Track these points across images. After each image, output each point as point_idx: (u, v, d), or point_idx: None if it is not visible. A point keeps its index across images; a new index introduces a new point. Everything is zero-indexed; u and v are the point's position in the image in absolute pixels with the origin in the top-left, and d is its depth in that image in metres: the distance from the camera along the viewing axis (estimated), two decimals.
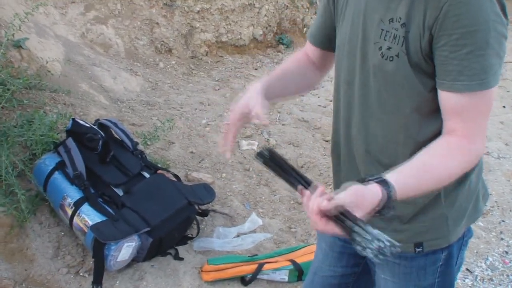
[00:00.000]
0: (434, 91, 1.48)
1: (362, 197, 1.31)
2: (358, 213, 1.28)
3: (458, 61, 1.36)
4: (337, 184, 1.90)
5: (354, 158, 1.73)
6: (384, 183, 1.34)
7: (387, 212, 1.34)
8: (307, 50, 1.94)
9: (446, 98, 1.43)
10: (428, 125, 1.53)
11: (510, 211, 4.44)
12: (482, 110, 1.43)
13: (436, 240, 1.70)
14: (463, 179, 1.62)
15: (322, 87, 6.44)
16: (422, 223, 1.68)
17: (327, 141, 5.04)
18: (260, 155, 1.46)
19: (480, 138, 1.46)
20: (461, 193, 1.66)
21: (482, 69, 1.36)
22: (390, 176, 1.37)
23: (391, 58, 1.48)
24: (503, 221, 4.29)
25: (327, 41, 1.85)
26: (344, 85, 1.71)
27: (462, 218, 1.70)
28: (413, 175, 1.41)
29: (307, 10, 7.90)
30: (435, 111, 1.50)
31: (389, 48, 1.48)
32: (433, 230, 1.69)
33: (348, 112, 1.71)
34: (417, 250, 1.70)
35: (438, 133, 1.51)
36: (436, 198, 1.64)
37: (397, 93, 1.52)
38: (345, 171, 1.81)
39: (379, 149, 1.64)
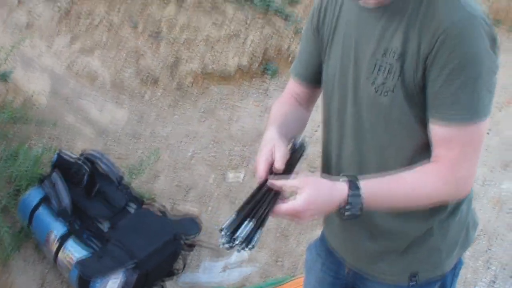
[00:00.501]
0: (426, 124, 1.48)
1: (317, 194, 1.37)
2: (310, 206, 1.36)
3: (450, 93, 1.37)
4: (328, 217, 1.91)
5: None
6: (351, 180, 1.41)
7: (350, 211, 1.39)
8: (292, 90, 1.91)
9: (436, 129, 1.44)
10: (422, 157, 1.53)
11: (497, 238, 4.45)
12: (470, 142, 1.44)
13: (430, 271, 1.71)
14: (455, 210, 1.64)
15: None
16: (416, 254, 1.69)
17: (313, 170, 5.05)
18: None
19: (467, 167, 1.46)
20: (453, 224, 1.67)
21: (473, 102, 1.38)
22: (363, 181, 1.42)
23: (385, 93, 1.48)
24: (489, 249, 4.30)
25: (312, 76, 1.84)
26: (335, 118, 1.70)
27: (454, 248, 1.72)
28: (383, 179, 1.46)
29: (292, 38, 7.96)
30: (428, 143, 1.51)
31: (383, 83, 1.48)
32: (428, 261, 1.70)
33: (340, 144, 1.71)
34: (412, 281, 1.70)
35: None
36: (429, 229, 1.65)
37: (391, 127, 1.53)
38: None
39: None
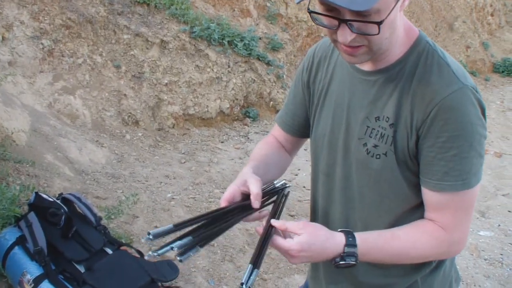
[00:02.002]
0: (416, 188, 1.51)
1: (315, 240, 1.40)
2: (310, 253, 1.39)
3: (445, 162, 1.41)
4: (314, 269, 1.90)
5: None
6: (348, 232, 1.45)
7: (345, 260, 1.42)
8: (276, 135, 1.94)
9: (430, 196, 1.48)
10: (408, 219, 1.55)
11: (474, 285, 4.46)
12: (463, 207, 1.48)
13: None
14: (439, 264, 1.65)
15: None
16: None
17: (292, 215, 5.05)
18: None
19: (460, 231, 1.50)
20: (436, 278, 1.68)
21: (466, 170, 1.41)
22: (358, 233, 1.46)
23: (377, 156, 1.50)
24: None
25: (297, 129, 1.86)
26: (323, 176, 1.72)
27: None
28: (379, 235, 1.49)
29: (274, 84, 8.04)
30: (416, 206, 1.54)
31: (375, 146, 1.50)
32: None
33: (327, 202, 1.72)
34: None
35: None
36: (413, 283, 1.65)
37: (380, 189, 1.54)
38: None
39: None
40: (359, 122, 1.55)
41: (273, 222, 1.44)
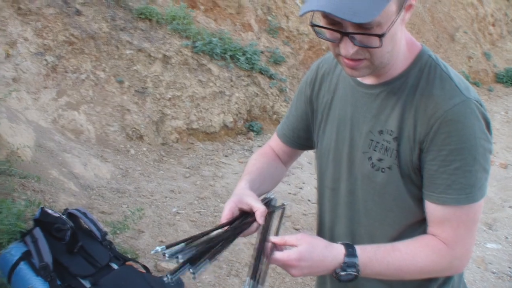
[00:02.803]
0: (421, 201, 1.50)
1: (312, 250, 1.40)
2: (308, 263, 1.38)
3: (447, 175, 1.40)
4: (321, 284, 1.89)
5: None
6: (348, 244, 1.45)
7: (346, 271, 1.41)
8: (274, 145, 1.96)
9: (432, 209, 1.46)
10: (412, 233, 1.54)
11: None
12: (466, 222, 1.46)
13: None
14: (446, 280, 1.63)
15: (293, 174, 6.51)
16: None
17: (297, 229, 5.04)
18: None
19: (462, 247, 1.48)
20: None
21: (469, 184, 1.40)
22: (359, 246, 1.46)
23: (382, 170, 1.50)
24: None
25: (297, 141, 1.89)
26: (328, 191, 1.72)
27: None
28: (378, 248, 1.48)
29: (277, 97, 8.06)
30: (421, 220, 1.53)
31: (380, 160, 1.51)
32: None
33: (333, 217, 1.73)
34: None
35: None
36: None
37: (385, 203, 1.54)
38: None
39: None
40: (363, 135, 1.56)
41: (272, 238, 1.43)
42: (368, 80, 1.54)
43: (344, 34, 1.32)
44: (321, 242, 1.43)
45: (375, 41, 1.31)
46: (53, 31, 6.32)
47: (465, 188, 1.40)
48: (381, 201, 1.55)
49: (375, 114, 1.52)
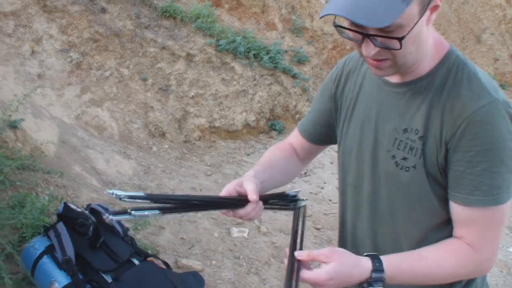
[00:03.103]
0: (445, 201, 1.49)
1: (346, 270, 1.39)
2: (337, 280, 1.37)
3: (474, 176, 1.39)
4: None
5: None
6: (375, 257, 1.43)
7: (373, 285, 1.40)
8: (293, 141, 1.95)
9: (458, 210, 1.45)
10: (437, 234, 1.53)
11: None
12: (493, 224, 1.45)
13: None
14: (469, 282, 1.61)
15: (314, 173, 6.49)
16: None
17: (318, 229, 5.03)
18: None
19: (488, 249, 1.46)
20: None
21: (496, 185, 1.38)
22: (384, 256, 1.44)
23: (407, 169, 1.49)
24: None
25: (319, 138, 1.88)
26: (351, 189, 1.72)
27: None
28: (405, 259, 1.47)
29: (300, 96, 8.05)
30: (445, 221, 1.52)
31: (404, 159, 1.49)
32: None
33: (355, 216, 1.72)
34: None
35: (442, 239, 1.51)
36: None
37: (409, 202, 1.53)
38: None
39: (386, 253, 1.63)
40: (387, 134, 1.55)
41: (298, 255, 1.42)
42: (394, 79, 1.53)
43: (365, 35, 1.32)
44: (350, 260, 1.42)
45: (395, 43, 1.31)
46: (78, 28, 6.37)
47: (492, 189, 1.38)
48: (405, 200, 1.53)
49: (401, 112, 1.51)
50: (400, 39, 1.29)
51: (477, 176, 1.38)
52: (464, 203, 1.42)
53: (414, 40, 1.34)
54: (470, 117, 1.36)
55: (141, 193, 1.42)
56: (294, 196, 1.73)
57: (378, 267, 1.40)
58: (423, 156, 1.46)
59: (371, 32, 1.31)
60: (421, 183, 1.48)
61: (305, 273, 1.39)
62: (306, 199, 1.76)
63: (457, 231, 1.48)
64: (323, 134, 1.86)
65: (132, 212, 1.34)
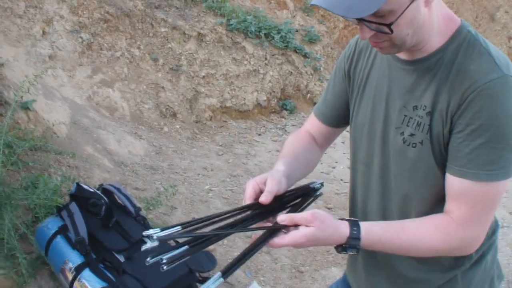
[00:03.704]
0: None
1: (322, 224, 1.40)
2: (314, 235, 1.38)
3: (470, 149, 1.37)
4: (353, 262, 1.90)
5: None
6: (354, 223, 1.44)
7: (346, 250, 1.44)
8: (310, 128, 1.92)
9: (451, 182, 1.43)
10: (442, 207, 1.51)
11: None
12: (483, 202, 1.42)
13: None
14: (479, 259, 1.62)
15: (325, 153, 6.46)
16: None
17: (329, 208, 5.03)
18: None
19: (475, 228, 1.45)
20: (477, 274, 1.64)
21: (492, 161, 1.36)
22: (364, 222, 1.47)
23: (413, 145, 1.48)
24: None
25: (337, 120, 1.85)
26: (362, 166, 1.71)
27: None
28: (386, 229, 1.48)
29: (311, 76, 8.01)
30: None
31: (412, 135, 1.49)
32: None
33: (365, 192, 1.72)
34: None
35: None
36: (453, 278, 1.62)
37: (417, 179, 1.52)
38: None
39: None
40: (397, 111, 1.54)
41: (280, 220, 1.42)
42: (405, 56, 1.52)
43: (359, 20, 1.33)
44: (330, 227, 1.42)
45: (386, 27, 1.32)
46: (88, 9, 6.36)
47: (487, 165, 1.37)
48: (412, 177, 1.53)
49: (410, 89, 1.50)
50: (388, 25, 1.30)
51: (474, 149, 1.37)
52: (457, 174, 1.41)
53: (408, 23, 1.34)
54: (478, 90, 1.34)
55: (176, 227, 1.40)
56: (320, 188, 1.73)
57: (355, 235, 1.42)
58: (430, 133, 1.45)
59: (364, 17, 1.31)
60: (427, 160, 1.47)
61: (284, 238, 1.40)
62: (323, 185, 1.75)
63: (447, 205, 1.47)
64: (341, 116, 1.83)
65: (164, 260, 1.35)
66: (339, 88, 1.80)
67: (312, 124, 1.92)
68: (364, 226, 1.44)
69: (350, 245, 1.42)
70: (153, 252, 1.34)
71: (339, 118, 1.84)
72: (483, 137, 1.35)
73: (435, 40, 1.45)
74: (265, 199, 1.47)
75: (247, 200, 1.51)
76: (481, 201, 1.42)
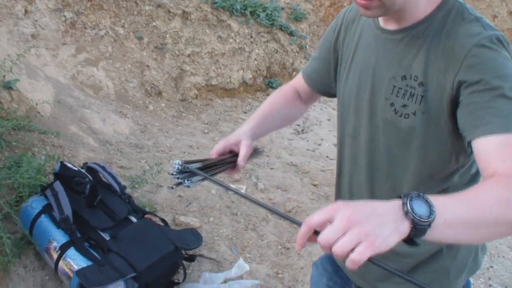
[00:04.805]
0: (444, 151, 1.47)
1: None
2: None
3: (488, 104, 1.29)
4: None
5: None
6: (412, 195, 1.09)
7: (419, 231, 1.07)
8: (297, 85, 2.00)
9: (480, 145, 1.28)
10: (436, 183, 1.53)
11: (498, 256, 4.44)
12: None
13: None
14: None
15: (311, 130, 6.49)
16: (424, 274, 1.68)
17: (315, 185, 5.05)
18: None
19: None
20: (462, 247, 1.66)
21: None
22: (433, 198, 1.10)
23: (406, 115, 1.47)
24: (491, 266, 4.29)
25: (320, 86, 1.92)
26: (349, 139, 1.72)
27: (462, 271, 1.71)
28: (459, 200, 1.15)
29: (297, 54, 7.99)
30: (447, 176, 1.51)
31: (404, 106, 1.48)
32: (436, 282, 1.69)
33: (352, 164, 1.73)
34: None
35: (445, 191, 1.50)
36: (438, 251, 1.64)
37: (408, 150, 1.52)
38: None
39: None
40: (385, 82, 1.54)
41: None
42: (391, 26, 1.52)
43: None
44: (365, 204, 1.10)
45: None
46: None
47: (510, 115, 1.27)
48: (403, 148, 1.53)
49: (398, 59, 1.50)
50: None
51: (491, 103, 1.28)
52: (485, 133, 1.27)
53: None
54: (472, 50, 1.33)
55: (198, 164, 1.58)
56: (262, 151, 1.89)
57: (413, 194, 1.08)
58: (424, 103, 1.43)
59: None
60: (420, 130, 1.47)
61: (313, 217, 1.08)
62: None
63: (485, 173, 1.27)
64: (324, 84, 1.89)
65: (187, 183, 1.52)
66: (324, 57, 1.85)
67: (298, 82, 2.00)
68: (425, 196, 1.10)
69: (417, 221, 1.05)
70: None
71: (322, 86, 1.91)
72: (496, 89, 1.28)
73: (422, 7, 1.45)
74: (243, 164, 1.65)
75: (213, 153, 1.69)
76: None
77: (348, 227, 1.01)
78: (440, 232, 1.08)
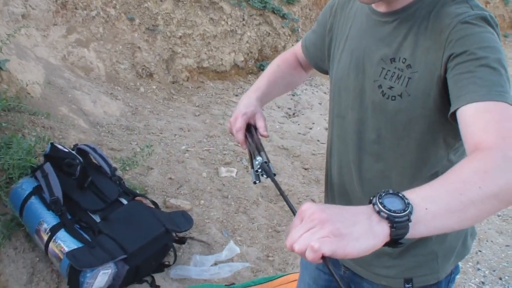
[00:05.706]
0: (432, 130, 1.46)
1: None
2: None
3: (472, 73, 1.25)
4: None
5: (347, 191, 1.75)
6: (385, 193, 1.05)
7: (400, 228, 1.00)
8: (297, 52, 2.05)
9: (463, 114, 1.23)
10: (425, 165, 1.53)
11: (487, 241, 4.48)
12: (508, 118, 1.19)
13: (426, 276, 1.69)
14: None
15: (302, 114, 6.49)
16: (412, 258, 1.68)
17: (306, 169, 5.06)
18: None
19: None
20: (451, 231, 1.66)
21: (498, 82, 1.24)
22: (407, 192, 1.05)
23: (393, 98, 1.47)
24: (479, 251, 4.32)
25: (314, 59, 1.97)
26: (338, 119, 1.73)
27: (451, 255, 1.71)
28: (437, 185, 1.08)
29: (288, 37, 7.97)
30: (433, 153, 1.51)
31: (390, 88, 1.48)
32: (423, 266, 1.69)
33: (342, 144, 1.73)
34: (407, 286, 1.69)
35: (435, 175, 1.49)
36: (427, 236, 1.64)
37: (396, 131, 1.52)
38: (338, 203, 1.80)
39: (372, 184, 1.64)
40: (374, 64, 1.54)
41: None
42: (382, 8, 1.52)
43: None
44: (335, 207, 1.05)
45: None
46: None
47: (494, 85, 1.23)
48: (392, 130, 1.52)
49: (388, 42, 1.50)
50: None
51: (475, 72, 1.25)
52: (467, 101, 1.22)
53: None
54: (457, 25, 1.32)
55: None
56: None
57: (386, 191, 1.04)
58: (411, 85, 1.43)
59: None
60: (407, 112, 1.46)
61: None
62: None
63: (468, 145, 1.21)
64: (318, 59, 1.93)
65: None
66: (320, 32, 1.88)
67: (298, 50, 2.06)
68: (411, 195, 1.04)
69: (393, 217, 0.98)
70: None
71: (317, 60, 1.96)
72: (481, 59, 1.26)
73: None
74: (267, 134, 1.75)
75: (239, 133, 1.72)
76: (506, 118, 1.19)
77: (314, 225, 0.98)
78: (425, 224, 1.02)
